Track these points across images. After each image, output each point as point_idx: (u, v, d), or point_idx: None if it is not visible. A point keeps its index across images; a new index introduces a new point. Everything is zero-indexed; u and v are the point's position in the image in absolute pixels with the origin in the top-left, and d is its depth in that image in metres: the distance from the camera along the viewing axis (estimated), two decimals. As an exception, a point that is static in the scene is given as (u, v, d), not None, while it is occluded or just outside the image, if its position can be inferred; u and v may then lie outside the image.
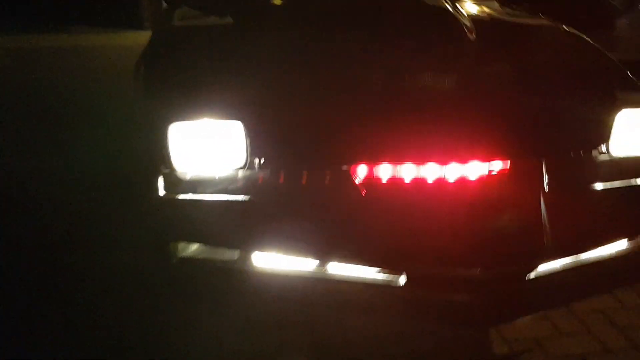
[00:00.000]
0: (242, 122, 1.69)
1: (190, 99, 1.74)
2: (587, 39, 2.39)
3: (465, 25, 2.25)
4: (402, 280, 1.63)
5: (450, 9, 2.35)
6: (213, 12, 2.63)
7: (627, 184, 1.81)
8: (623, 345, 2.10)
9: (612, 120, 1.86)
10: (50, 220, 2.77)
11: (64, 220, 2.75)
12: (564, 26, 2.51)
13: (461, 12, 2.42)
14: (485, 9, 2.83)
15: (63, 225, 2.71)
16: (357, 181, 1.67)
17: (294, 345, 2.03)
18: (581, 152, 1.83)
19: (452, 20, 2.26)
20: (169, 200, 1.68)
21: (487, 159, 1.70)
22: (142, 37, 8.16)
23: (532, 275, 1.67)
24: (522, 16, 2.75)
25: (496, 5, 2.99)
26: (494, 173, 1.71)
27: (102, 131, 3.67)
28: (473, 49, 2.13)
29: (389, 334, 2.07)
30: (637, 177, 1.83)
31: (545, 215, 1.65)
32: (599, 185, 1.80)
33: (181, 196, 1.68)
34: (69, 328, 2.10)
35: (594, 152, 1.84)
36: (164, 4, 2.97)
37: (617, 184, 1.81)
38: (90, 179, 3.12)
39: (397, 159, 1.69)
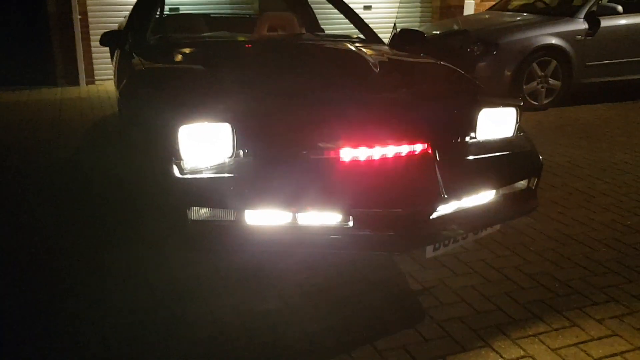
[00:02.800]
0: (230, 124, 2.42)
1: (193, 108, 2.44)
2: (455, 67, 3.36)
3: (372, 61, 3.18)
4: (351, 222, 2.39)
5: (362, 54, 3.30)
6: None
7: (488, 156, 2.72)
8: (497, 278, 2.98)
9: (477, 117, 2.79)
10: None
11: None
12: (440, 61, 3.49)
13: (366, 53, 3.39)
14: (383, 52, 3.81)
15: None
16: (317, 159, 2.44)
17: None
18: (458, 137, 2.73)
19: (364, 58, 3.20)
20: (184, 179, 2.34)
21: (403, 144, 2.53)
22: (57, 93, 8.56)
23: (433, 215, 2.49)
24: (412, 56, 3.72)
25: (387, 49, 3.99)
26: (406, 152, 2.53)
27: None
28: (382, 76, 3.05)
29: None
30: (494, 152, 2.75)
31: (439, 176, 2.50)
32: (470, 157, 2.69)
33: (191, 176, 2.35)
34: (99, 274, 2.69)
35: (466, 137, 2.75)
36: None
37: (481, 156, 2.71)
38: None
39: (343, 145, 2.48)
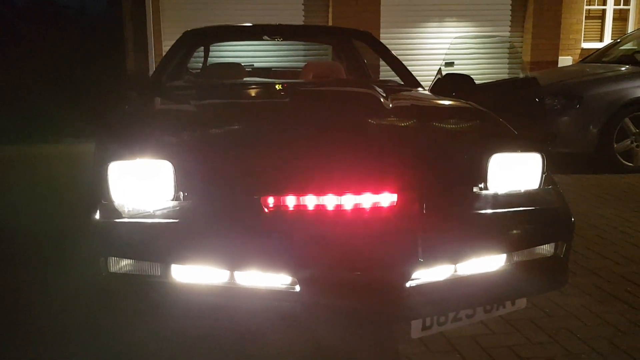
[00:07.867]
0: (170, 161, 2.05)
1: (127, 142, 2.11)
2: (483, 110, 2.78)
3: (382, 99, 2.75)
4: (298, 286, 1.90)
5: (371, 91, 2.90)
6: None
7: (496, 212, 2.13)
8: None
9: (486, 164, 2.22)
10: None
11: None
12: (468, 104, 2.93)
13: (380, 91, 2.95)
14: (409, 96, 3.35)
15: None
16: (253, 207, 2.00)
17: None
18: (458, 187, 2.17)
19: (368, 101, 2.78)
20: (104, 223, 1.99)
21: (375, 193, 2.04)
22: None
23: (411, 283, 1.94)
24: (439, 99, 3.20)
25: (420, 93, 3.51)
26: (378, 204, 2.03)
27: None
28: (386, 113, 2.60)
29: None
30: (505, 207, 2.16)
31: (419, 234, 1.96)
32: (474, 212, 2.12)
33: (114, 220, 2.00)
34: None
35: (472, 187, 2.19)
36: None
37: (488, 211, 2.13)
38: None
39: (299, 191, 2.03)
